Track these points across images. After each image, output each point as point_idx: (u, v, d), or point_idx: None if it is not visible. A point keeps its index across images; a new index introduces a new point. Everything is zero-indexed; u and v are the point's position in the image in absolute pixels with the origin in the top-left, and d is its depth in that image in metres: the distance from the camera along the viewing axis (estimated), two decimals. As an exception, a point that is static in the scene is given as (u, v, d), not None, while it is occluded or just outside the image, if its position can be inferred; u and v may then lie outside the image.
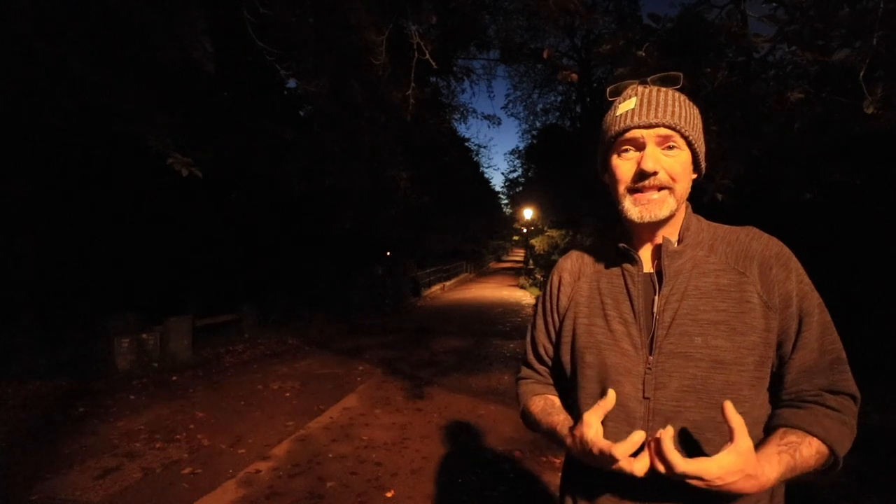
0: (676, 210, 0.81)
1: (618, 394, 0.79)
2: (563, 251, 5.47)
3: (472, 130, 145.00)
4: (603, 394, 0.79)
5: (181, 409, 4.51)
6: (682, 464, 0.65)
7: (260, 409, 4.50)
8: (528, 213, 20.13)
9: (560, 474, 1.01)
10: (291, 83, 8.24)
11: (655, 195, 0.80)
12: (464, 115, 16.55)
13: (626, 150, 0.82)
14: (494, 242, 36.88)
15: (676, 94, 0.83)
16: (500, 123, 38.61)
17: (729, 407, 0.66)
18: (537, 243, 17.71)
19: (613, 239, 0.91)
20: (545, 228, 17.48)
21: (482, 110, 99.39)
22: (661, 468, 0.68)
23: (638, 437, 0.70)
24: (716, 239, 0.85)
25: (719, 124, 3.26)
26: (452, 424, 4.08)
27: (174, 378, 5.59)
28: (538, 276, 17.98)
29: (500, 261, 45.28)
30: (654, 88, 0.83)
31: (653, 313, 0.81)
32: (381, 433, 3.89)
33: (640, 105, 0.80)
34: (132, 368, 5.85)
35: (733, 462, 0.65)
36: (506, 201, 29.77)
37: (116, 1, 4.03)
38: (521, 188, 23.74)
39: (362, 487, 2.98)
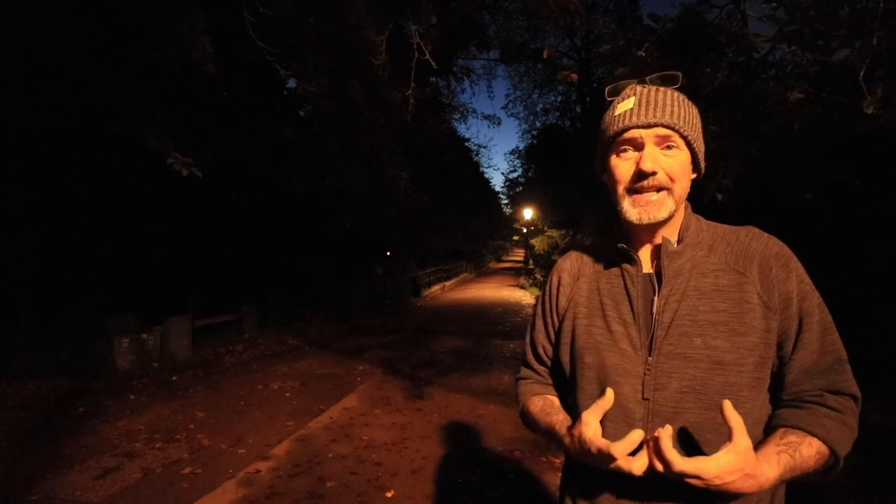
0: (675, 210, 0.81)
1: (617, 395, 0.78)
2: (563, 251, 5.47)
3: (472, 130, 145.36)
4: (602, 395, 0.78)
5: (181, 409, 4.51)
6: (681, 462, 0.65)
7: (260, 409, 4.50)
8: (528, 213, 20.10)
9: (560, 474, 1.01)
10: (291, 83, 8.25)
11: (654, 196, 0.79)
12: (464, 115, 16.55)
13: (625, 150, 0.82)
14: (494, 242, 36.86)
15: (675, 94, 0.82)
16: (500, 123, 38.72)
17: (728, 406, 0.66)
18: (537, 243, 17.68)
19: (613, 239, 0.91)
20: (545, 228, 17.45)
21: (482, 110, 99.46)
22: (659, 467, 0.67)
23: (636, 435, 0.70)
24: (715, 239, 0.84)
25: (719, 124, 3.26)
26: (452, 424, 4.08)
27: (174, 378, 5.60)
28: (538, 276, 17.97)
29: (500, 261, 45.27)
30: (653, 88, 0.82)
31: (652, 314, 0.81)
32: (381, 433, 3.89)
33: (639, 105, 0.80)
34: (132, 368, 5.86)
35: (732, 461, 0.64)
36: (506, 201, 29.78)
37: (116, 1, 4.03)
38: (521, 188, 23.71)
39: (362, 487, 2.98)
